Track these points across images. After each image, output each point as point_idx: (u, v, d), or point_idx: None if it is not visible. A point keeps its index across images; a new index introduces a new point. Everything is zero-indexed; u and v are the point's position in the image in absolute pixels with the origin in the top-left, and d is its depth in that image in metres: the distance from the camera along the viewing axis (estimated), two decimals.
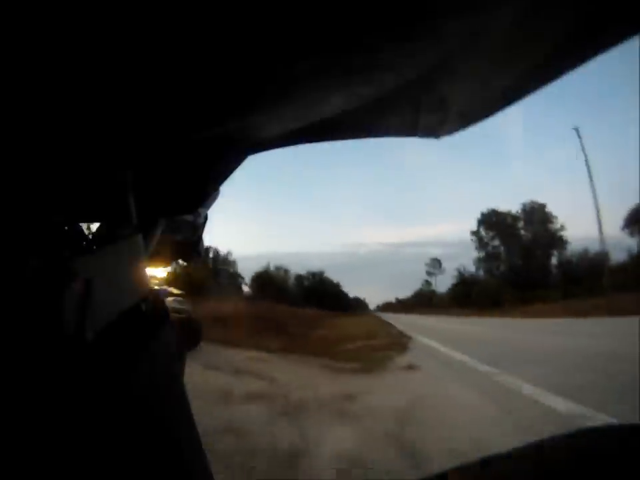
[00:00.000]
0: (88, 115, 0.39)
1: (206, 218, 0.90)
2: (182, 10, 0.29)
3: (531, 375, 4.07)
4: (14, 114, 0.34)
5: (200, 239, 0.92)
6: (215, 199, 0.78)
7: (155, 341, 0.42)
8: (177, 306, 1.33)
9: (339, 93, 0.53)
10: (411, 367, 5.19)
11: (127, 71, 0.36)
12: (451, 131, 0.68)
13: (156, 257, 0.72)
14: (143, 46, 0.33)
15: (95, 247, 0.47)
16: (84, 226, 0.51)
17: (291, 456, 2.19)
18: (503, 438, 2.35)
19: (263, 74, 0.42)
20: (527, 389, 3.61)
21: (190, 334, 1.41)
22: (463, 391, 3.66)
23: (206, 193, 0.66)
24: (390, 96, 0.56)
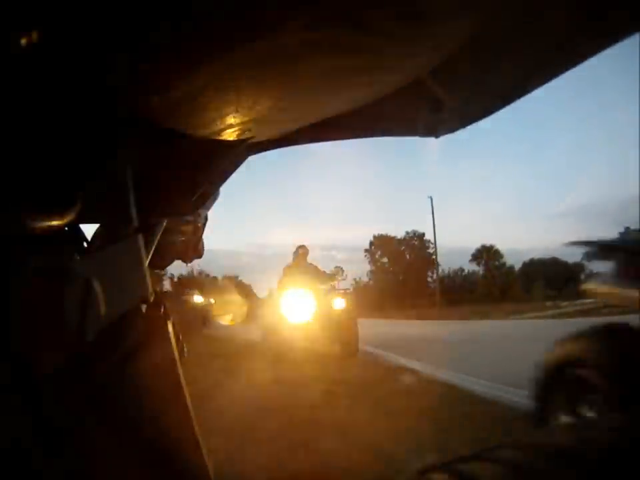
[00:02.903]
0: (88, 116, 0.39)
1: (206, 219, 0.90)
2: None
3: None
4: (15, 116, 0.34)
5: (200, 239, 0.92)
6: (215, 199, 0.78)
7: (155, 341, 0.42)
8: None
9: (340, 94, 0.53)
10: None
11: (126, 71, 0.36)
12: (450, 130, 0.69)
13: (156, 258, 0.72)
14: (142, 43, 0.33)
15: (96, 248, 0.47)
16: (85, 227, 0.52)
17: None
18: None
19: (264, 75, 0.42)
20: None
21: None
22: None
23: (206, 193, 0.66)
24: (390, 96, 0.56)
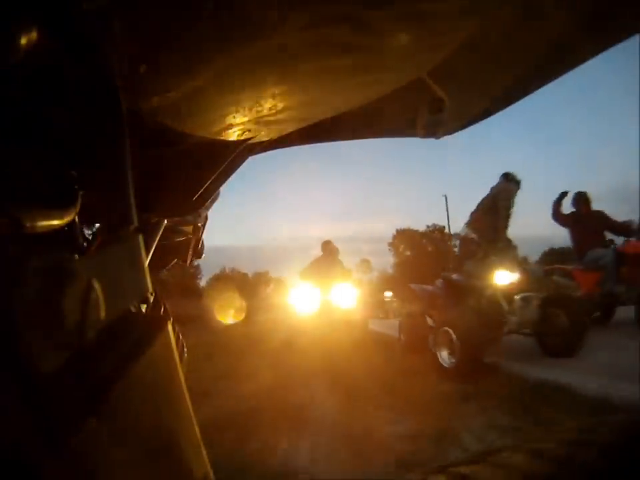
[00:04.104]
0: (89, 116, 0.39)
1: (206, 219, 0.90)
2: None
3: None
4: (15, 115, 0.34)
5: (200, 239, 0.92)
6: (215, 199, 0.78)
7: (156, 341, 0.42)
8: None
9: (340, 94, 0.53)
10: None
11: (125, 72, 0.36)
12: (450, 130, 0.68)
13: (157, 258, 0.72)
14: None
15: (96, 248, 0.47)
16: (85, 226, 0.51)
17: None
18: None
19: (264, 75, 0.43)
20: None
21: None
22: None
23: (206, 193, 0.66)
24: (390, 96, 0.56)
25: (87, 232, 0.50)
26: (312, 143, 0.74)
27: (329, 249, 5.88)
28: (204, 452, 0.45)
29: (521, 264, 3.49)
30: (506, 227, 3.74)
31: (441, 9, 0.36)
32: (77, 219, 0.40)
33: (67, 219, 0.37)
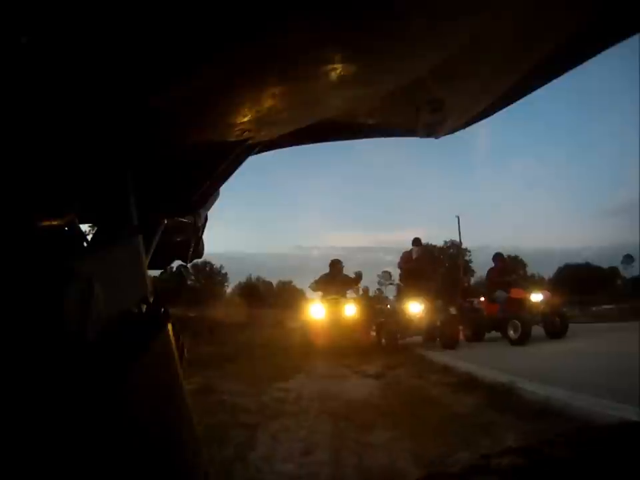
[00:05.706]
0: (89, 117, 0.39)
1: (206, 219, 0.90)
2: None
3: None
4: (16, 116, 0.34)
5: (200, 239, 0.92)
6: (214, 200, 0.78)
7: (156, 341, 0.42)
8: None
9: (340, 94, 0.53)
10: None
11: (128, 72, 0.36)
12: (450, 130, 0.68)
13: (156, 258, 0.72)
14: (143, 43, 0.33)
15: (96, 248, 0.47)
16: (86, 227, 0.52)
17: None
18: None
19: (264, 75, 0.42)
20: None
21: None
22: None
23: (206, 193, 0.66)
24: (390, 97, 0.56)
25: (87, 232, 0.50)
26: (312, 142, 0.73)
27: (336, 268, 7.45)
28: (204, 452, 0.45)
29: (435, 297, 7.32)
30: (414, 277, 7.43)
31: (441, 9, 0.36)
32: (76, 219, 0.40)
33: (67, 219, 0.37)
